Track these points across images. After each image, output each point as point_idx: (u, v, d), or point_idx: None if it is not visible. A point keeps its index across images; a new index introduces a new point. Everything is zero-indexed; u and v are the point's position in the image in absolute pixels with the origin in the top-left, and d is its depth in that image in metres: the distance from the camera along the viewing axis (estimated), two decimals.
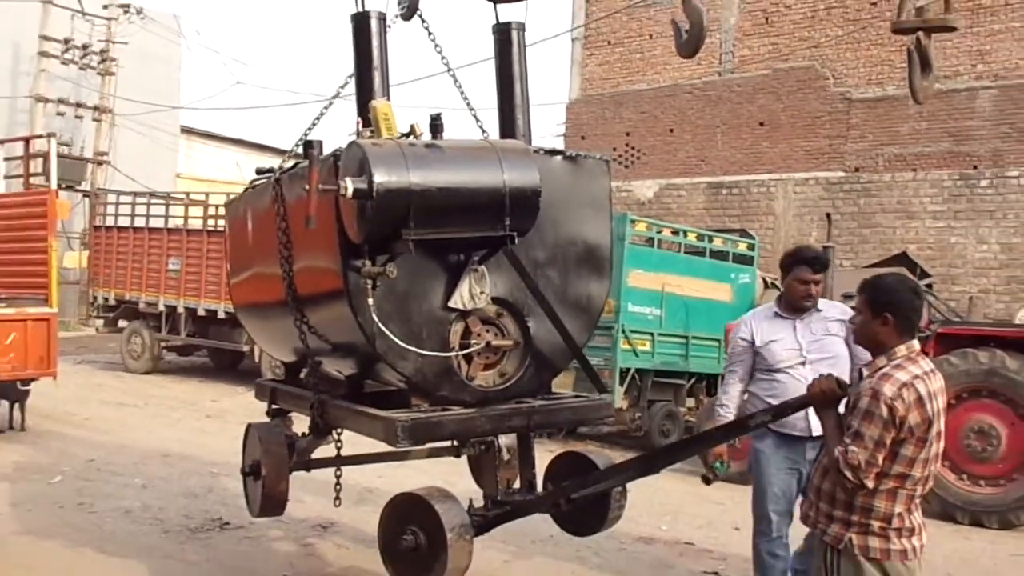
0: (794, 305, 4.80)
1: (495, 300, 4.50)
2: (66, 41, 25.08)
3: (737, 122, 18.56)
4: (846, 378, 3.93)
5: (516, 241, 4.31)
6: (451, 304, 4.37)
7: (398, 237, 4.04)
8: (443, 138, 4.43)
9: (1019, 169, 11.53)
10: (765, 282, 11.45)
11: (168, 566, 6.20)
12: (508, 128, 5.17)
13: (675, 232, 10.88)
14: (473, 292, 4.37)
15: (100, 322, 17.91)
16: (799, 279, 4.72)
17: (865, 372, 3.34)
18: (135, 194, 17.84)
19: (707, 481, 4.79)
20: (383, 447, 4.89)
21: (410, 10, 5.07)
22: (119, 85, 25.68)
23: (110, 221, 17.50)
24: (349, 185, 3.83)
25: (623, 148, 19.88)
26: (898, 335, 3.26)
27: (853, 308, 3.64)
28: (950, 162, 14.76)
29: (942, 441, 3.28)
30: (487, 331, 4.52)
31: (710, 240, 11.04)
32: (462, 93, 5.40)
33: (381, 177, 3.88)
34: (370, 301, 4.06)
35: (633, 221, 10.16)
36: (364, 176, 3.88)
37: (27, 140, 11.01)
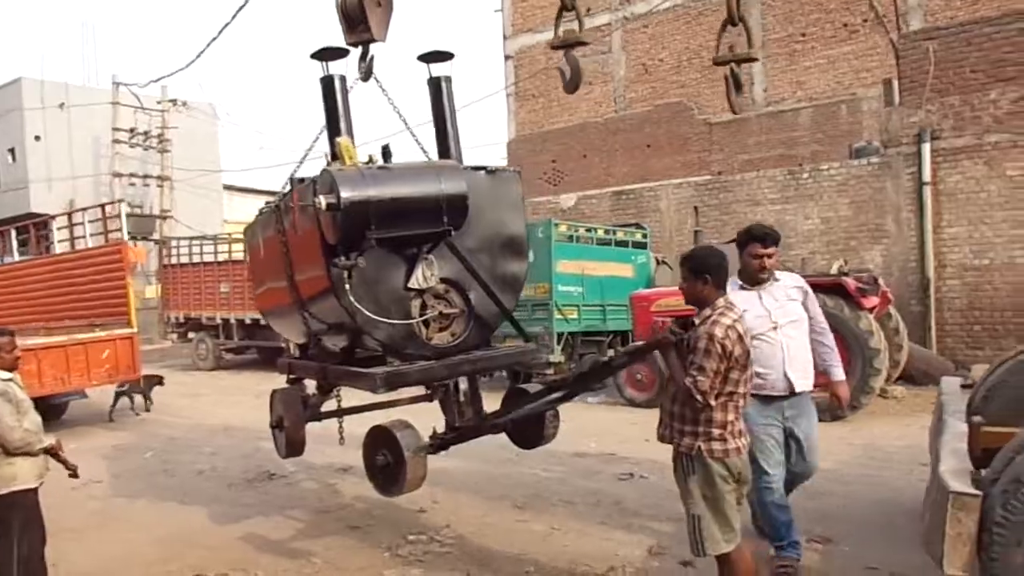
0: (752, 278, 4.08)
1: (443, 280, 4.58)
2: (131, 130, 24.67)
3: (631, 146, 18.85)
4: (807, 338, 4.15)
5: (452, 234, 4.42)
6: (410, 285, 4.45)
7: (364, 237, 4.16)
8: (392, 162, 4.56)
9: (828, 163, 11.71)
10: (657, 260, 11.55)
11: (231, 509, 6.20)
12: (445, 153, 5.22)
13: (588, 230, 10.95)
14: (425, 275, 4.46)
15: (174, 336, 17.72)
16: (752, 254, 4.02)
17: (697, 321, 3.29)
18: (191, 239, 17.67)
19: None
20: (374, 400, 5.04)
21: (367, 74, 5.09)
22: (174, 159, 25.29)
23: (175, 260, 17.30)
24: (322, 200, 4.02)
25: (550, 171, 20.17)
26: (715, 290, 3.30)
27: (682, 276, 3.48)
28: (783, 162, 15.08)
29: (752, 365, 3.38)
30: (439, 303, 4.61)
31: (614, 233, 11.13)
32: (411, 131, 5.39)
33: (346, 193, 4.04)
34: (347, 287, 4.16)
35: (557, 224, 10.23)
36: (333, 193, 4.01)
37: (103, 207, 10.82)
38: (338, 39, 4.94)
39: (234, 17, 5.16)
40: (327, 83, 4.91)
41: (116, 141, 24.40)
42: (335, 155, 4.60)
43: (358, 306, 4.20)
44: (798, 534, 4.24)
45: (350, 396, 5.59)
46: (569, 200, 14.44)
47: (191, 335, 16.78)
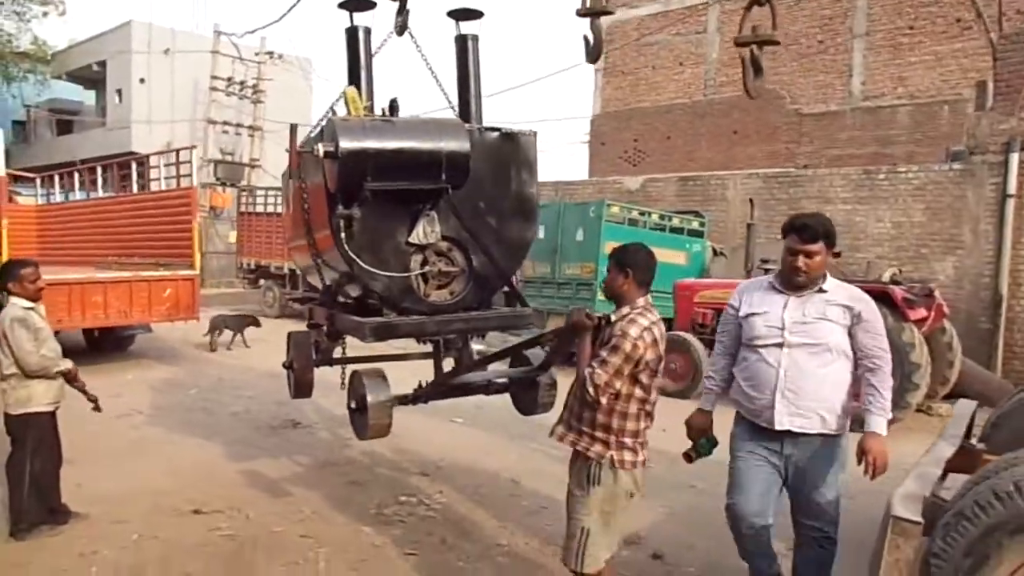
0: (786, 280, 3.26)
1: (446, 238, 4.61)
2: (228, 79, 25.55)
3: (717, 131, 18.48)
4: (836, 370, 3.14)
5: (451, 192, 4.42)
6: (410, 240, 4.51)
7: (362, 188, 4.21)
8: (399, 116, 4.55)
9: (907, 166, 11.14)
10: (714, 250, 11.30)
11: (248, 451, 6.53)
12: (465, 113, 5.26)
13: (642, 213, 10.80)
14: (426, 231, 4.50)
15: (245, 281, 18.45)
16: (788, 249, 3.22)
17: (614, 318, 3.11)
18: (268, 189, 18.26)
19: (688, 459, 3.55)
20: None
21: (401, 28, 5.18)
22: (267, 110, 26.13)
23: (252, 208, 17.97)
24: (320, 148, 4.14)
25: (632, 151, 20.00)
26: (637, 288, 3.11)
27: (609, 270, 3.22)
28: (877, 161, 14.43)
29: (655, 378, 3.12)
30: (440, 260, 4.66)
31: (670, 219, 10.94)
32: (441, 88, 5.39)
33: (345, 143, 4.11)
34: (342, 235, 4.27)
35: (609, 205, 10.15)
36: (332, 142, 4.10)
37: (178, 151, 11.30)
38: None
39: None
40: (351, 34, 5.04)
41: (213, 89, 25.28)
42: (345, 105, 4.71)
43: (353, 256, 4.32)
44: None
45: (384, 347, 5.70)
46: (635, 182, 14.23)
47: (261, 282, 17.45)
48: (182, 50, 25.72)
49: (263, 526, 4.76)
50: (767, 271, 8.93)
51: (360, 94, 4.96)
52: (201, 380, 9.75)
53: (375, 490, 5.51)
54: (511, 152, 4.87)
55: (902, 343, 7.22)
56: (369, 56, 5.09)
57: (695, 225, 11.27)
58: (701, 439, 3.51)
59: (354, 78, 5.04)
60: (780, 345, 3.22)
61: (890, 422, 7.17)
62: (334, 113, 4.72)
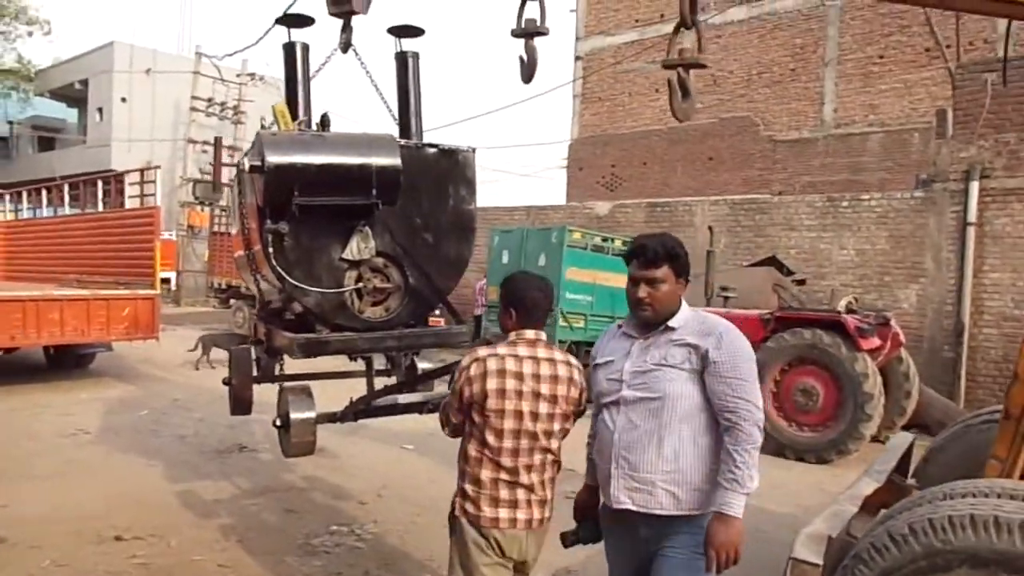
0: (633, 317, 2.61)
1: (381, 254, 4.52)
2: (209, 100, 25.55)
3: (692, 158, 18.61)
4: (682, 431, 2.44)
5: (384, 207, 4.34)
6: (343, 256, 4.42)
7: (290, 203, 4.12)
8: (330, 131, 4.50)
9: (869, 194, 11.18)
10: None
11: (188, 475, 6.37)
12: (405, 129, 5.21)
13: (604, 239, 10.76)
14: (360, 247, 4.42)
15: (215, 301, 18.27)
16: (629, 278, 2.58)
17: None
18: None
19: (564, 542, 2.84)
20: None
21: (345, 46, 5.14)
22: (247, 131, 26.09)
23: (223, 228, 17.85)
24: (246, 162, 4.09)
25: (609, 176, 20.11)
26: (518, 322, 2.76)
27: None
28: (849, 188, 14.54)
29: (526, 421, 2.63)
30: (375, 277, 4.55)
31: None
32: (386, 104, 5.33)
33: (271, 157, 4.02)
34: (270, 250, 4.19)
35: (571, 231, 10.12)
36: (259, 156, 4.02)
37: (142, 171, 11.20)
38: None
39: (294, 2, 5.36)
40: (288, 50, 5.02)
41: (194, 109, 25.27)
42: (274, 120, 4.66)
43: (281, 271, 4.23)
44: None
45: (330, 365, 5.56)
46: (604, 207, 14.23)
47: (231, 302, 17.28)
48: (164, 70, 25.69)
49: (183, 554, 4.60)
50: (727, 299, 8.93)
51: (297, 109, 4.94)
52: (156, 401, 9.56)
53: (308, 518, 5.36)
54: (449, 168, 4.81)
55: (855, 373, 7.18)
56: (307, 72, 5.05)
57: None
58: (585, 520, 2.82)
59: (291, 93, 5.01)
60: (615, 402, 2.55)
61: (840, 453, 7.26)
62: (263, 128, 4.68)
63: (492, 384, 2.62)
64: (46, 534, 4.81)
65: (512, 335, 2.75)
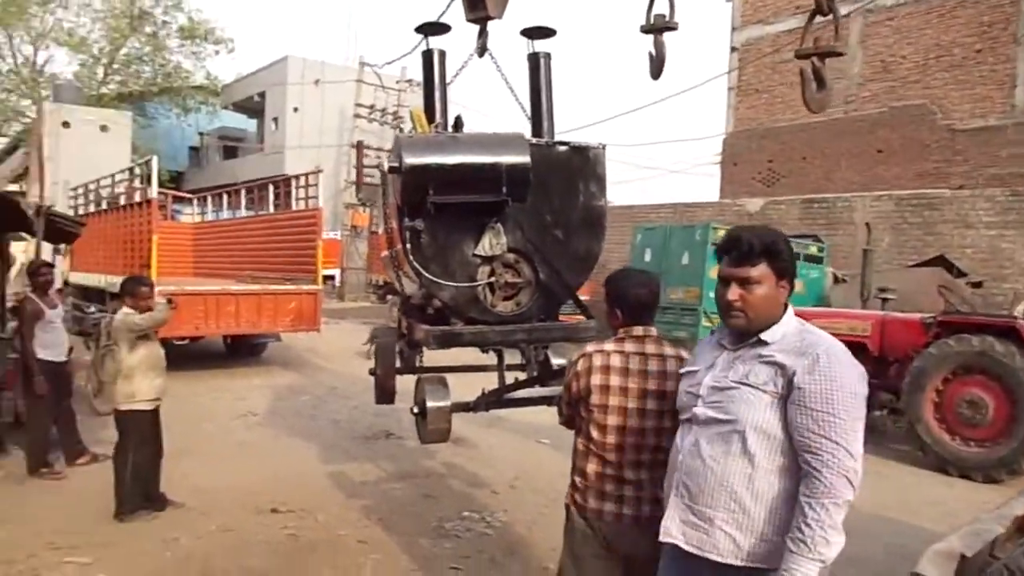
0: (725, 323, 2.31)
1: (513, 250, 4.66)
2: (371, 107, 27.02)
3: (859, 150, 17.47)
4: (750, 465, 2.10)
5: (513, 204, 4.47)
6: (476, 252, 4.60)
7: (425, 201, 4.33)
8: (463, 132, 4.73)
9: None
10: (835, 277, 10.69)
11: (339, 457, 6.88)
12: (537, 128, 5.32)
13: None
14: (492, 243, 4.57)
15: (373, 297, 19.29)
16: (720, 277, 2.30)
17: None
18: None
19: None
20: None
21: (481, 50, 5.36)
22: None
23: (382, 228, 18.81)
24: (385, 163, 4.33)
25: (766, 171, 19.34)
26: (624, 320, 2.75)
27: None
28: None
29: (632, 418, 2.60)
30: (507, 272, 4.70)
31: None
32: (521, 105, 5.45)
33: (408, 158, 4.25)
34: (408, 247, 4.43)
35: (715, 228, 9.88)
36: (396, 157, 4.29)
37: (307, 175, 12.06)
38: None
39: (449, 5, 5.71)
40: (427, 57, 5.25)
41: (357, 116, 26.81)
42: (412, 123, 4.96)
43: (418, 267, 4.50)
44: None
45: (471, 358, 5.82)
46: (755, 204, 13.74)
47: (388, 298, 18.19)
48: (331, 80, 27.47)
49: (328, 529, 5.01)
50: (885, 301, 8.39)
51: (434, 113, 5.20)
52: (316, 388, 10.33)
53: (443, 503, 5.65)
54: (580, 165, 4.89)
55: None
56: (443, 77, 5.30)
57: (813, 250, 10.74)
58: None
59: (429, 98, 5.28)
60: (689, 420, 2.29)
61: (1012, 472, 6.61)
62: (401, 131, 5.02)
63: (596, 380, 2.62)
64: (216, 503, 5.41)
65: (620, 332, 2.74)
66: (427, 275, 4.52)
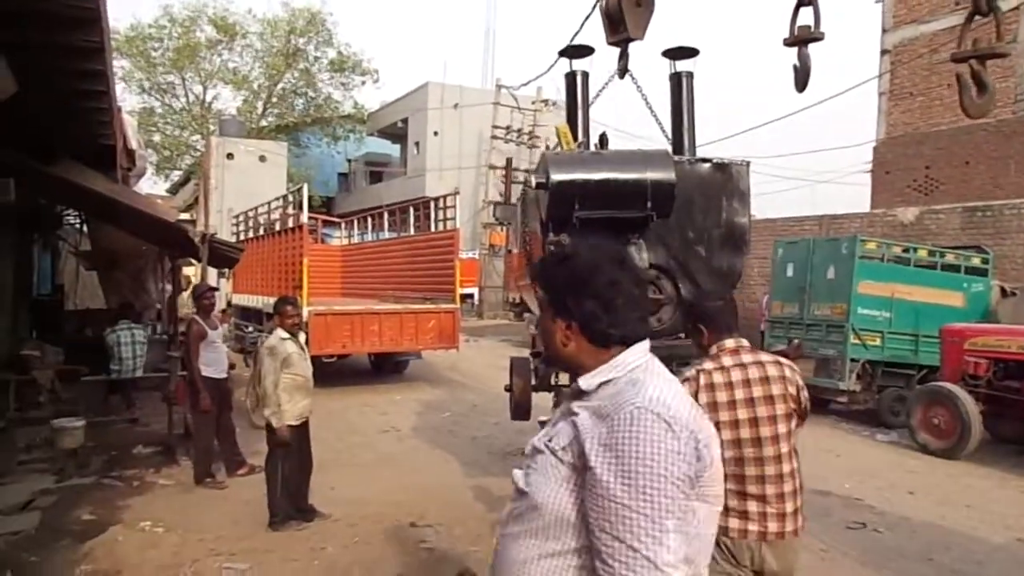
0: None
1: (654, 266, 4.74)
2: (507, 128, 27.56)
3: None
4: (544, 556, 1.48)
5: (658, 220, 4.54)
6: None
7: (571, 216, 4.46)
8: (608, 149, 4.82)
9: None
10: (1003, 291, 9.80)
11: (478, 473, 7.02)
12: (678, 145, 5.40)
13: (905, 249, 9.72)
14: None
15: (511, 314, 19.57)
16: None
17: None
18: None
19: None
20: None
21: (622, 72, 5.44)
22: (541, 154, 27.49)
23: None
24: (533, 180, 4.53)
25: (923, 179, 18.08)
26: (711, 337, 2.78)
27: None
28: None
29: (744, 429, 2.63)
30: (648, 289, 4.72)
31: (942, 256, 9.72)
32: (659, 123, 5.55)
33: (555, 175, 4.42)
34: None
35: (864, 241, 9.32)
36: (543, 173, 4.42)
37: (445, 198, 12.47)
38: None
39: (582, 26, 5.94)
40: (570, 79, 5.41)
41: (494, 137, 27.40)
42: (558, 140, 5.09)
43: None
44: None
45: None
46: (910, 214, 12.84)
47: (525, 315, 18.41)
48: (469, 103, 28.27)
49: (463, 543, 5.11)
50: None
51: (577, 132, 5.31)
52: (457, 405, 10.60)
53: None
54: (722, 182, 4.92)
55: None
56: (586, 97, 5.42)
57: (976, 262, 9.90)
58: None
59: (572, 117, 5.41)
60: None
61: None
62: (547, 147, 5.19)
63: (703, 399, 2.62)
64: (359, 514, 5.66)
65: (713, 349, 2.76)
66: None
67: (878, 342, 9.14)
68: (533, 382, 5.80)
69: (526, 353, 6.49)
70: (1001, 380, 7.68)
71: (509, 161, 25.98)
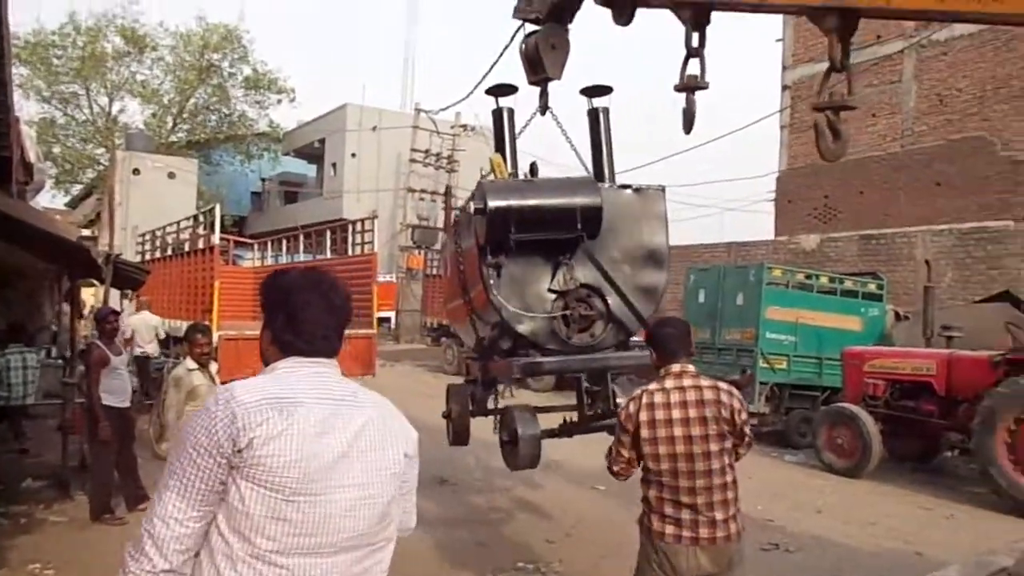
0: None
1: (584, 285, 4.93)
2: (426, 151, 27.48)
3: (917, 184, 16.97)
4: None
5: (586, 241, 4.78)
6: (551, 287, 4.88)
7: (507, 240, 4.65)
8: (538, 177, 5.09)
9: None
10: (897, 315, 10.30)
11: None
12: (599, 175, 5.59)
13: (808, 276, 10.13)
14: (565, 278, 4.87)
15: (428, 339, 19.37)
16: None
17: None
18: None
19: None
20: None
21: (543, 108, 5.53)
22: (459, 178, 27.57)
23: (435, 271, 18.96)
24: (471, 206, 4.71)
25: (822, 208, 18.85)
26: (660, 360, 3.11)
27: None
28: None
29: (679, 445, 2.89)
30: (580, 306, 4.94)
31: (841, 282, 10.18)
32: (579, 156, 5.72)
33: (492, 201, 4.59)
34: (491, 282, 4.70)
35: (770, 268, 9.67)
36: (481, 200, 4.59)
37: (363, 221, 12.24)
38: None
39: (499, 58, 6.06)
40: (497, 115, 5.62)
41: (412, 160, 27.29)
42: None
43: (502, 301, 4.72)
44: None
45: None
46: (812, 242, 13.41)
47: (442, 340, 18.26)
48: (387, 126, 28.07)
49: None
50: (950, 339, 8.04)
51: (505, 162, 5.40)
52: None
53: (498, 553, 5.52)
54: (642, 206, 5.20)
55: None
56: (512, 132, 5.60)
57: (872, 288, 10.40)
58: None
59: (500, 150, 5.55)
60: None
61: None
62: (482, 177, 5.24)
63: (644, 416, 2.96)
64: None
65: (661, 371, 3.08)
66: (509, 308, 4.76)
67: (785, 365, 9.45)
68: (471, 407, 5.76)
69: (459, 380, 6.48)
70: (898, 400, 8.03)
71: (448, 189, 26.04)
